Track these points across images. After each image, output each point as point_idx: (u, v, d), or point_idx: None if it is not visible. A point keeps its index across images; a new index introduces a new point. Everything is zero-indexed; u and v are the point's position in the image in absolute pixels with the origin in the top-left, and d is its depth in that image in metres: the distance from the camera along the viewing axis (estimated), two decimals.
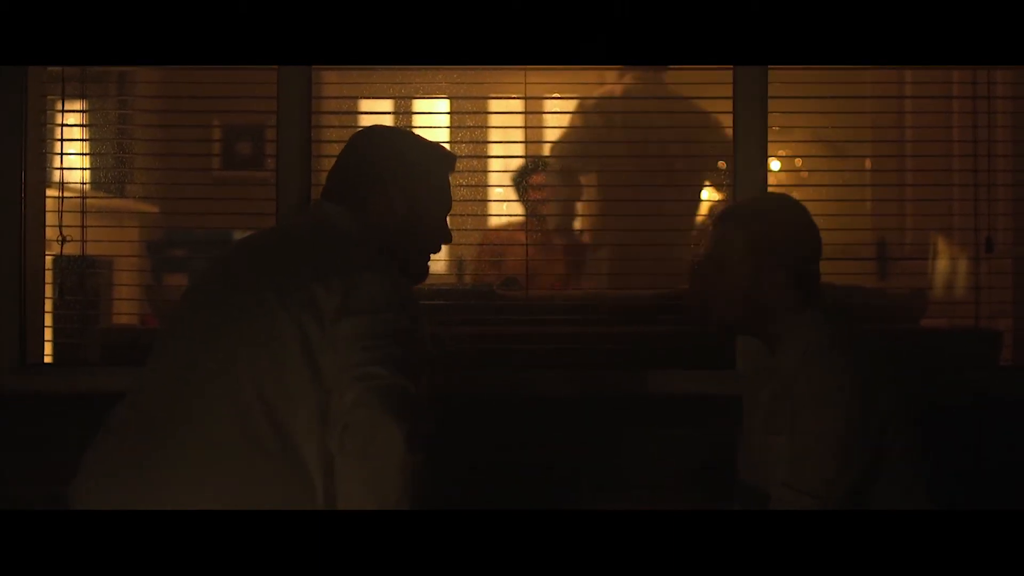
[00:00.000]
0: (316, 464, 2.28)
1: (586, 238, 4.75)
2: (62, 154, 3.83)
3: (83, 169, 3.90)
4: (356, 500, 2.23)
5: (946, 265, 4.31)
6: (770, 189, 3.70)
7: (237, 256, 2.59)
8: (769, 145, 3.69)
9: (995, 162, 3.85)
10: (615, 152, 4.39)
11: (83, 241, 3.85)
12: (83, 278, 3.91)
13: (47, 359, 3.86)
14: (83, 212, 3.86)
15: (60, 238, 3.79)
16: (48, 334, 3.85)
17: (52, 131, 3.84)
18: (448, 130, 4.35)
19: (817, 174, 4.12)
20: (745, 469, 2.93)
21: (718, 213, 2.90)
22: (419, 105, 4.68)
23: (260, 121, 4.56)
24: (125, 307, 4.34)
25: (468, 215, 3.89)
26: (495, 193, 4.24)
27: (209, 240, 4.56)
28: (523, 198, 4.15)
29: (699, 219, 4.04)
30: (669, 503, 3.40)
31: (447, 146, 3.56)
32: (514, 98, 3.93)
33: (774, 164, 4.21)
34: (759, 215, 2.85)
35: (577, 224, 4.98)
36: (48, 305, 3.84)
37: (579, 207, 4.80)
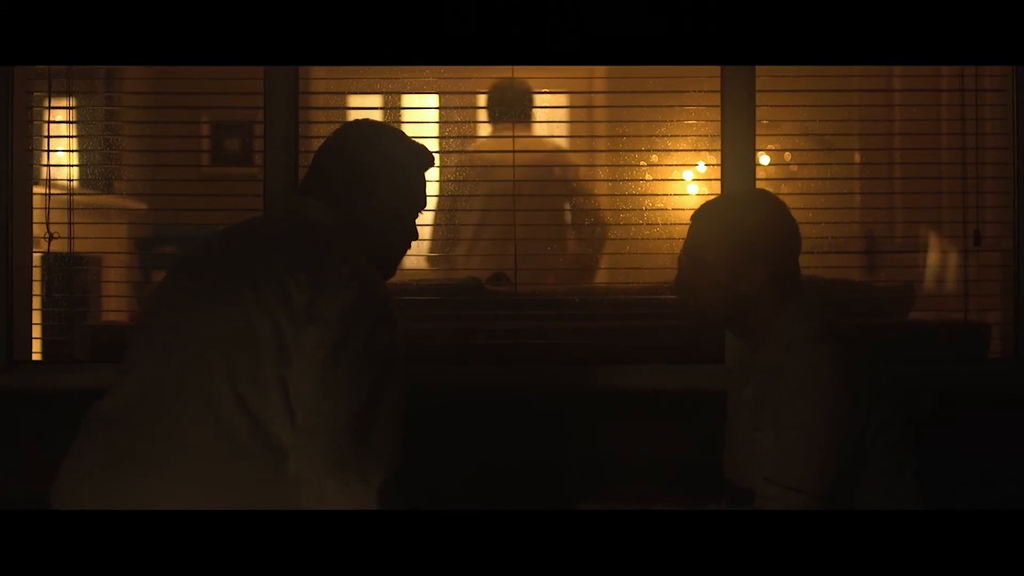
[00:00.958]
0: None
1: (576, 233, 4.75)
2: (49, 151, 3.82)
3: (70, 166, 3.89)
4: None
5: (935, 259, 4.32)
6: (759, 183, 3.70)
7: (210, 250, 2.57)
8: (757, 139, 3.69)
9: (983, 155, 3.85)
10: (603, 146, 4.39)
11: (71, 238, 3.85)
12: (71, 275, 3.91)
13: (35, 356, 3.85)
14: (70, 209, 3.85)
15: (47, 235, 3.78)
16: (36, 331, 3.84)
17: (39, 128, 3.83)
18: (436, 125, 4.34)
19: (806, 168, 4.11)
20: (730, 467, 2.93)
21: (696, 209, 2.89)
22: (407, 100, 4.68)
23: (248, 117, 4.55)
24: (113, 304, 4.33)
25: (457, 210, 3.89)
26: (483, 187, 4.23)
27: (197, 236, 4.55)
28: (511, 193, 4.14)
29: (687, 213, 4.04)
30: (658, 498, 3.39)
31: (435, 141, 3.55)
32: None
33: (763, 158, 4.20)
34: (736, 211, 2.85)
35: (566, 219, 4.98)
36: (36, 302, 3.83)
37: (567, 201, 4.79)
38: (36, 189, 3.82)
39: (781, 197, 2.93)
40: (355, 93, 4.31)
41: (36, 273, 3.84)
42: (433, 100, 4.61)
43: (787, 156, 4.45)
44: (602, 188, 4.17)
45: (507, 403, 3.59)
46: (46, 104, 3.83)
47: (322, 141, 2.72)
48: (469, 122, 4.23)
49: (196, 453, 2.26)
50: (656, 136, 3.97)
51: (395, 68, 4.16)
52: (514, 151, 3.81)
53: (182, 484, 2.25)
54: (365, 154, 2.66)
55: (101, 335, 3.93)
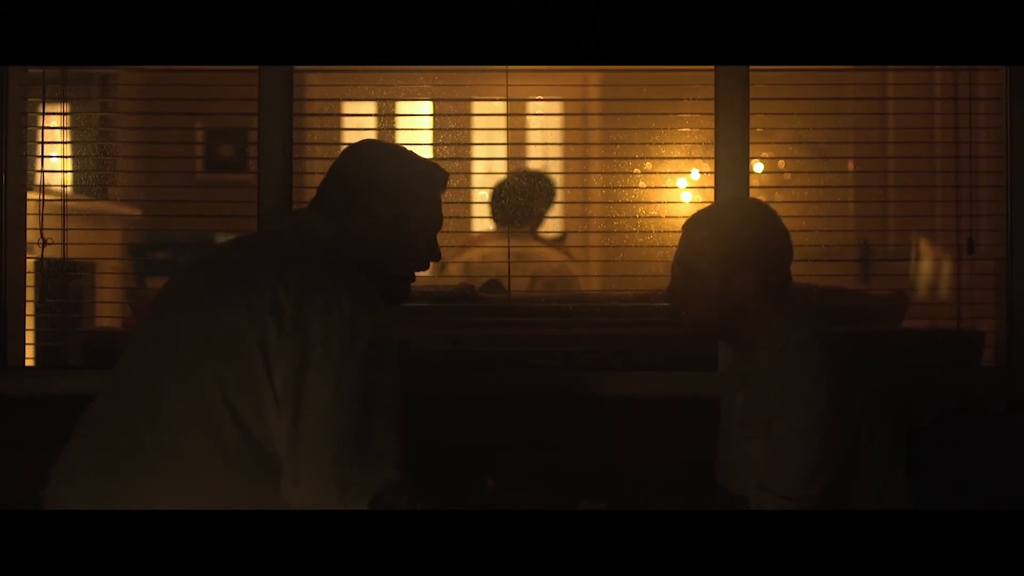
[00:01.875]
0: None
1: (568, 240, 4.75)
2: (43, 156, 3.81)
3: (64, 171, 3.89)
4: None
5: (928, 266, 4.32)
6: (753, 191, 3.70)
7: (210, 261, 2.57)
8: (751, 147, 3.69)
9: (977, 163, 3.86)
10: (597, 154, 4.39)
11: (64, 244, 3.84)
12: (64, 281, 3.90)
13: (28, 362, 3.84)
14: (64, 215, 3.85)
15: (41, 241, 3.78)
16: (29, 337, 3.83)
17: (33, 133, 3.82)
18: (430, 132, 4.34)
19: (800, 176, 4.12)
20: (723, 474, 2.94)
21: (689, 218, 2.90)
22: (402, 107, 4.68)
23: (243, 124, 4.55)
24: (107, 310, 4.33)
25: (450, 217, 3.89)
26: (477, 195, 4.23)
27: (192, 243, 4.55)
28: (505, 202, 4.15)
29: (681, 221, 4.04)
30: (651, 505, 3.39)
31: (429, 148, 3.55)
32: (496, 100, 3.93)
33: (757, 166, 4.21)
34: (729, 219, 2.85)
35: (559, 226, 4.98)
36: (29, 308, 3.82)
37: (560, 209, 4.80)
38: (30, 195, 3.82)
39: (775, 205, 2.94)
40: (349, 100, 4.31)
41: (30, 279, 3.84)
42: (427, 107, 4.61)
43: (781, 164, 4.46)
44: (596, 196, 4.17)
45: (500, 410, 3.59)
46: (40, 110, 3.83)
47: (315, 148, 2.73)
48: (464, 129, 4.23)
49: (184, 457, 2.26)
50: (650, 144, 3.98)
51: (390, 75, 4.15)
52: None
53: (170, 487, 2.25)
54: (363, 172, 2.66)
55: (95, 341, 3.93)
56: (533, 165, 4.95)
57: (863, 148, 4.33)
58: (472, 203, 4.07)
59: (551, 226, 5.12)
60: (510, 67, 3.82)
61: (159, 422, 2.29)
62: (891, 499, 2.69)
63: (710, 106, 3.71)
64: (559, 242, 5.09)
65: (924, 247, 4.40)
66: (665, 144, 3.98)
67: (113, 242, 4.43)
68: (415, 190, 2.69)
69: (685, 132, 3.97)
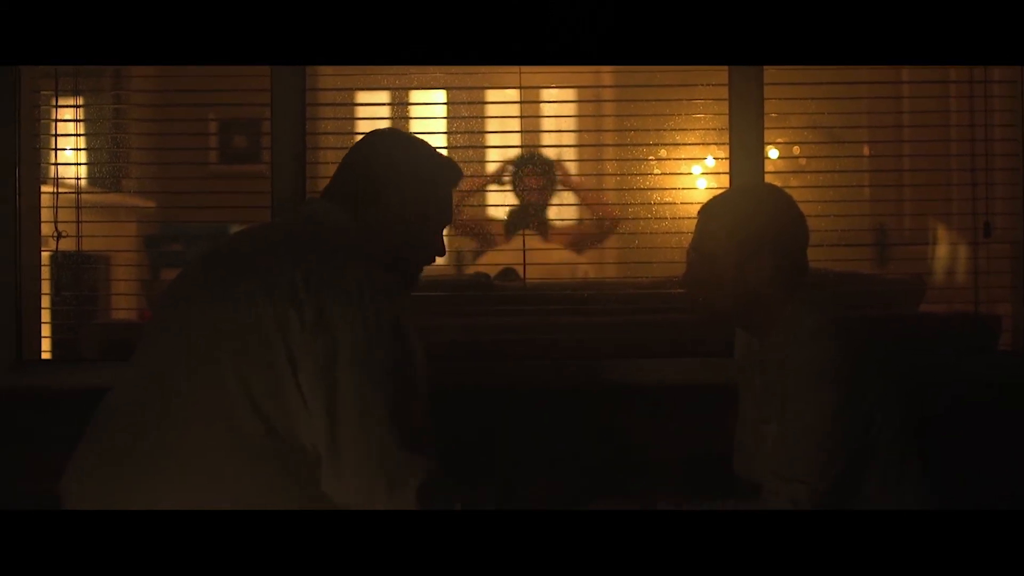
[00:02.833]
0: (307, 459, 2.27)
1: (583, 227, 4.74)
2: (56, 149, 3.81)
3: (78, 164, 3.89)
4: None
5: (945, 251, 4.31)
6: (768, 177, 3.69)
7: (225, 250, 2.57)
8: (766, 133, 3.68)
9: (992, 147, 3.84)
10: (611, 141, 4.38)
11: (79, 236, 3.84)
12: (79, 274, 3.91)
13: (44, 355, 3.85)
14: (78, 207, 3.85)
15: (55, 234, 3.78)
16: (45, 330, 3.84)
17: (46, 127, 3.82)
18: (444, 121, 4.34)
19: (815, 161, 4.11)
20: (740, 462, 2.93)
21: (704, 204, 2.89)
22: (415, 97, 4.67)
23: (256, 115, 4.55)
24: (122, 302, 4.34)
25: (466, 205, 3.88)
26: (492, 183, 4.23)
27: (206, 234, 4.56)
28: (520, 188, 4.14)
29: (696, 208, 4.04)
30: (665, 496, 3.39)
31: (443, 137, 3.55)
32: (510, 88, 3.92)
33: (772, 152, 4.20)
34: (744, 205, 2.85)
35: (574, 213, 4.98)
36: (44, 301, 3.82)
37: (575, 196, 4.79)
38: (44, 188, 3.82)
39: (790, 191, 2.93)
40: (363, 89, 4.31)
41: (44, 272, 3.84)
42: (441, 96, 4.61)
43: (796, 150, 4.45)
44: (610, 183, 4.16)
45: (516, 399, 3.59)
46: (53, 103, 3.83)
47: (329, 138, 2.72)
48: (477, 117, 4.22)
49: (203, 449, 2.26)
50: (664, 130, 3.97)
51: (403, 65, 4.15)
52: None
53: (186, 479, 2.25)
54: (379, 162, 2.65)
55: (110, 334, 3.93)
56: (547, 153, 4.95)
57: (878, 133, 4.32)
58: (486, 191, 4.06)
59: (566, 214, 5.13)
60: None
61: (176, 415, 2.29)
62: (906, 485, 2.68)
63: (724, 92, 3.70)
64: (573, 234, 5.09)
65: (940, 231, 4.39)
66: (679, 131, 3.97)
67: (127, 234, 4.45)
68: (429, 183, 2.69)
69: (699, 119, 3.96)
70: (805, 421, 2.59)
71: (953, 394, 3.47)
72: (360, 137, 2.78)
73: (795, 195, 2.89)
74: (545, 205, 4.84)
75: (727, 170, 3.68)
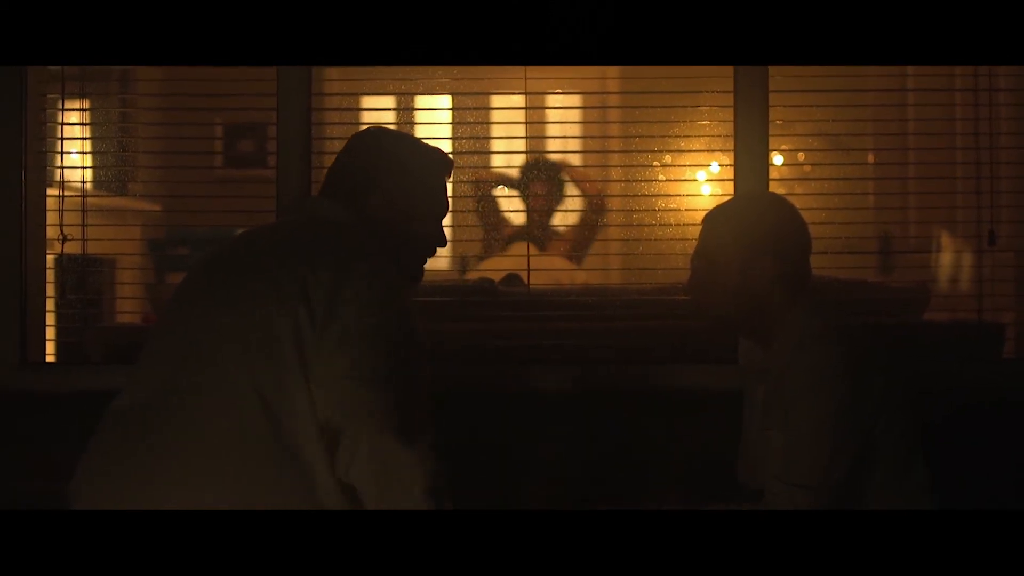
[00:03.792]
0: (318, 461, 2.27)
1: (588, 233, 4.75)
2: (62, 153, 3.82)
3: (84, 168, 3.90)
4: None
5: (949, 259, 4.31)
6: (772, 184, 3.70)
7: (230, 251, 2.57)
8: (771, 140, 3.68)
9: (997, 155, 3.84)
10: (616, 147, 4.39)
11: (84, 240, 3.85)
12: (84, 277, 3.91)
13: (49, 358, 3.85)
14: (84, 211, 3.86)
15: (61, 237, 3.79)
16: (50, 333, 3.84)
17: (52, 129, 3.83)
18: (449, 126, 4.34)
19: (819, 169, 4.10)
20: (744, 469, 2.94)
21: (708, 212, 2.90)
22: (420, 102, 4.68)
23: (262, 119, 4.56)
24: (127, 305, 4.34)
25: (470, 211, 3.89)
26: (497, 189, 4.23)
27: (211, 238, 4.56)
28: (525, 194, 4.15)
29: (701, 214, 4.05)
30: (669, 498, 3.40)
31: (448, 142, 3.55)
32: (515, 94, 3.93)
33: (776, 158, 4.20)
34: (749, 211, 2.86)
35: (579, 219, 4.98)
36: (49, 304, 3.83)
37: (580, 203, 4.80)
38: (50, 191, 3.82)
39: (794, 198, 2.94)
40: (368, 94, 4.31)
41: (50, 275, 3.84)
42: (446, 101, 4.61)
43: (800, 156, 4.45)
44: (615, 189, 4.17)
45: (520, 404, 3.59)
46: (59, 106, 3.84)
47: (334, 143, 2.73)
48: (482, 123, 4.23)
49: (212, 449, 2.26)
50: (669, 137, 3.97)
51: (408, 69, 4.16)
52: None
53: (196, 480, 2.25)
54: (373, 154, 2.67)
55: (115, 336, 3.93)
56: (552, 159, 4.95)
57: (883, 140, 4.32)
58: (492, 196, 4.07)
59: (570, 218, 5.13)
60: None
61: (185, 416, 2.29)
62: (909, 491, 2.68)
63: (729, 99, 3.70)
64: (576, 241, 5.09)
65: (944, 239, 4.40)
66: (684, 137, 3.98)
67: (133, 238, 4.45)
68: (422, 175, 2.71)
69: (704, 125, 3.96)
70: (807, 427, 2.60)
71: (956, 402, 3.46)
72: (353, 134, 2.80)
73: (799, 202, 2.90)
74: (550, 211, 4.84)
75: (732, 177, 3.68)
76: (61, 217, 3.80)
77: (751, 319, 2.82)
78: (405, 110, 4.72)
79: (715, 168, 4.48)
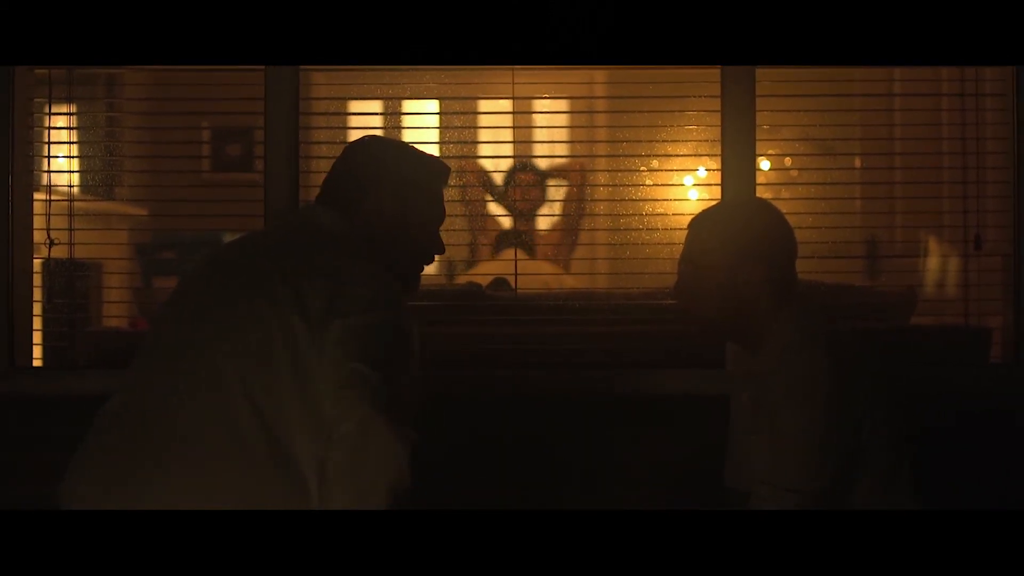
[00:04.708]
0: (309, 467, 2.27)
1: (574, 238, 4.75)
2: (49, 157, 3.81)
3: (71, 172, 3.89)
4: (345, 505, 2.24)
5: (936, 263, 4.32)
6: (759, 189, 3.70)
7: (224, 257, 2.58)
8: (758, 144, 3.69)
9: (984, 160, 3.85)
10: (603, 152, 4.39)
11: (71, 244, 3.84)
12: (71, 281, 3.90)
13: (36, 362, 3.85)
14: (71, 215, 3.85)
15: (48, 241, 3.78)
16: (37, 337, 3.84)
17: (39, 134, 3.82)
18: (437, 131, 4.34)
19: (806, 173, 4.12)
20: (731, 474, 2.95)
21: (694, 217, 2.90)
22: (408, 106, 4.68)
23: (249, 123, 4.55)
24: (114, 310, 4.34)
25: (457, 215, 3.89)
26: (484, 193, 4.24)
27: (198, 242, 4.56)
28: (512, 198, 4.15)
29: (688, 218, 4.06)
30: (657, 503, 3.40)
31: (436, 147, 3.55)
32: (503, 98, 3.93)
33: (763, 164, 4.20)
34: (735, 216, 2.87)
35: (566, 224, 4.98)
36: (37, 308, 3.82)
37: (567, 207, 4.80)
38: (36, 195, 3.81)
39: (781, 202, 2.95)
40: (355, 99, 4.31)
41: (37, 279, 3.84)
42: (433, 106, 4.61)
43: (787, 161, 4.46)
44: (602, 193, 4.17)
45: (506, 408, 3.59)
46: (46, 110, 3.83)
47: (322, 147, 2.73)
48: (470, 128, 4.23)
49: (204, 455, 2.26)
50: (656, 142, 3.97)
51: (396, 74, 4.16)
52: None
53: (188, 484, 2.26)
54: (371, 166, 2.67)
55: (102, 341, 3.92)
56: (539, 163, 4.95)
57: (870, 145, 4.33)
58: (478, 201, 4.07)
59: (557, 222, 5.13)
60: (515, 66, 3.81)
61: (177, 418, 2.29)
62: (897, 496, 2.69)
63: (716, 104, 3.71)
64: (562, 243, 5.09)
65: (931, 243, 4.40)
66: (671, 142, 3.98)
67: (120, 242, 4.44)
68: (419, 183, 2.71)
69: (691, 130, 3.96)
70: (794, 429, 2.61)
71: (944, 406, 3.47)
72: (350, 142, 2.80)
73: (786, 207, 2.91)
74: (538, 215, 4.85)
75: (719, 181, 3.69)
76: (48, 221, 3.79)
77: (738, 324, 2.82)
78: (392, 115, 4.72)
79: (702, 173, 4.48)
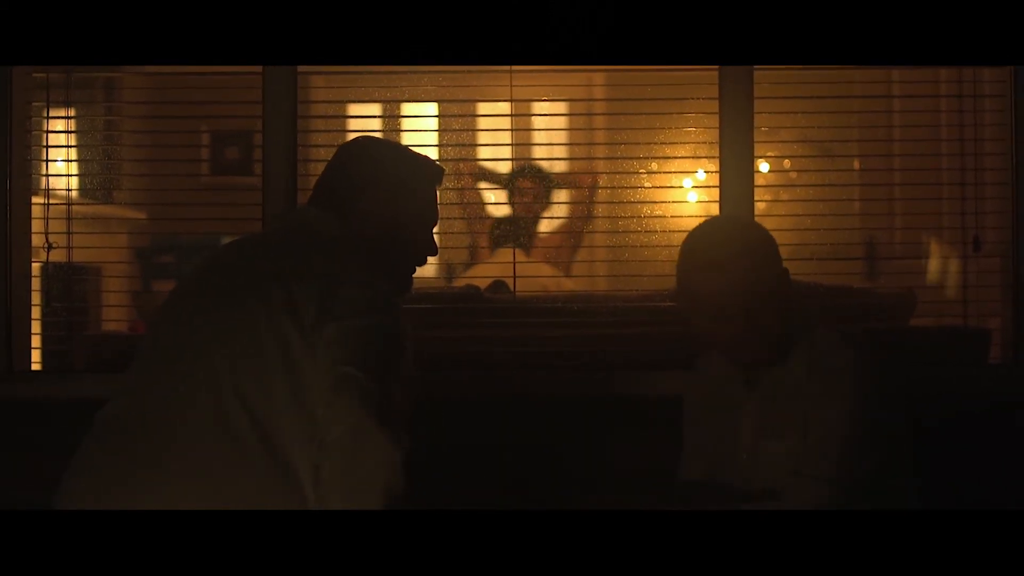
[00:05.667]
0: (305, 470, 2.27)
1: (573, 240, 4.75)
2: (47, 160, 3.81)
3: (69, 176, 3.89)
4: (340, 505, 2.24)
5: (935, 264, 4.32)
6: (758, 191, 3.69)
7: (222, 260, 2.58)
8: (756, 146, 3.68)
9: (982, 161, 3.85)
10: (602, 154, 4.39)
11: (70, 248, 3.84)
12: (70, 285, 3.90)
13: (35, 366, 3.84)
14: (69, 219, 3.85)
15: (46, 245, 3.78)
16: (35, 341, 3.83)
17: (38, 137, 3.82)
18: (435, 133, 4.34)
19: (805, 175, 4.12)
20: (697, 467, 2.97)
21: (691, 231, 2.85)
22: (406, 109, 4.68)
23: (248, 127, 4.55)
24: (113, 314, 4.33)
25: (456, 218, 3.89)
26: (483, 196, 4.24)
27: (197, 246, 4.56)
28: (510, 201, 4.15)
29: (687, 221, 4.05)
30: (652, 503, 3.40)
31: (435, 150, 3.55)
32: (501, 101, 3.92)
33: (762, 166, 4.20)
34: (746, 227, 2.88)
35: (565, 226, 4.98)
36: (35, 312, 3.82)
37: (566, 209, 4.80)
38: (35, 199, 3.81)
39: (780, 204, 2.96)
40: (354, 102, 4.30)
41: (35, 283, 3.83)
42: (432, 108, 4.61)
43: (786, 163, 4.46)
44: (601, 196, 4.17)
45: (506, 411, 3.59)
46: (45, 114, 3.83)
47: (320, 150, 2.72)
48: (469, 130, 4.23)
49: (202, 458, 2.26)
50: (655, 144, 3.97)
51: (394, 77, 4.15)
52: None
53: (186, 487, 2.26)
54: (364, 167, 2.66)
55: (101, 345, 3.92)
56: (549, 168, 4.95)
57: (868, 147, 4.33)
58: (477, 204, 4.07)
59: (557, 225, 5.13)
60: (514, 68, 3.81)
61: (174, 422, 2.29)
62: (896, 495, 2.70)
63: (715, 106, 3.70)
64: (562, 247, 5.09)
65: (930, 245, 4.40)
66: (670, 144, 3.98)
67: (119, 246, 4.44)
68: (412, 184, 2.70)
69: (690, 132, 3.96)
70: (834, 422, 2.68)
71: (943, 406, 3.47)
72: (343, 143, 2.80)
73: (785, 209, 2.92)
74: (536, 218, 4.85)
75: (718, 184, 3.68)
76: (46, 225, 3.79)
77: (746, 329, 2.78)
78: (391, 117, 4.71)
79: (701, 175, 4.48)
